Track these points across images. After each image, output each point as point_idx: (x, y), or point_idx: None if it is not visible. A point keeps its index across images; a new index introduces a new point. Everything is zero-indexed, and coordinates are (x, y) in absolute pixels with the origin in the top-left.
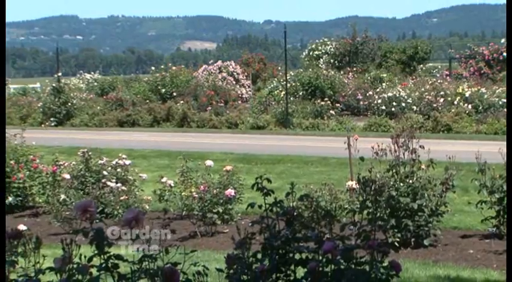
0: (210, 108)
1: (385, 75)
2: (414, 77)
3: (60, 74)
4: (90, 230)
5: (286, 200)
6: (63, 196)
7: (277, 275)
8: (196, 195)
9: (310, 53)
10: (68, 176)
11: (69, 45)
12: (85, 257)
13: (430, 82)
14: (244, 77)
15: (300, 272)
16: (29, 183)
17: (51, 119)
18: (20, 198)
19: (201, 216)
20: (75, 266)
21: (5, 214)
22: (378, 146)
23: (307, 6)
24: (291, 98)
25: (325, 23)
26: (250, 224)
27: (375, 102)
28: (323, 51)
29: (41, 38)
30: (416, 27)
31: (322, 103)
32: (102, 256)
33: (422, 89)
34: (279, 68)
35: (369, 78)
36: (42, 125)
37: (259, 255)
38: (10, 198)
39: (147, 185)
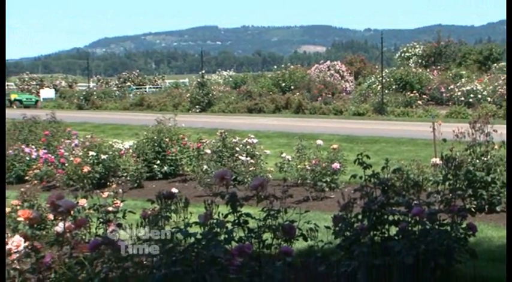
0: (320, 98)
1: (464, 72)
2: (489, 74)
3: (203, 71)
4: (226, 194)
5: (382, 173)
6: (205, 166)
7: (374, 232)
8: (309, 168)
9: (402, 55)
10: (209, 151)
11: (211, 49)
12: (222, 214)
13: (503, 78)
14: (348, 74)
15: (393, 230)
16: (180, 156)
17: (196, 106)
18: (173, 168)
19: (312, 184)
20: (214, 221)
21: (5, 215)
22: (458, 129)
23: (400, 17)
24: (386, 91)
25: (414, 30)
26: (352, 191)
27: (455, 94)
28: (412, 53)
29: (189, 44)
30: (492, 33)
31: (411, 95)
32: (235, 214)
33: (496, 84)
34: (376, 66)
35: (450, 74)
36: (190, 111)
37: (359, 216)
38: (165, 168)
39: (270, 159)
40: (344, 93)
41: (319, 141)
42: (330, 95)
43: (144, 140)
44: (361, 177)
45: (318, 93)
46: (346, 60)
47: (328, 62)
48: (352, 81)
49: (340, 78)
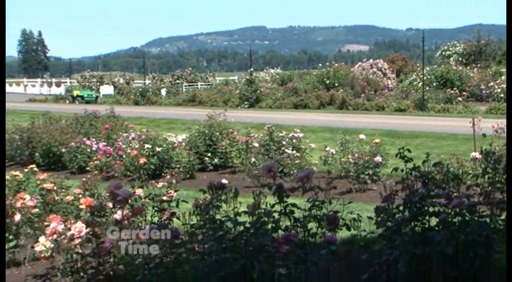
0: (363, 95)
1: (503, 70)
2: None
3: (252, 69)
4: (273, 185)
5: (423, 166)
6: (253, 159)
7: (414, 223)
8: (352, 161)
9: (443, 53)
10: (257, 145)
11: (259, 48)
12: (269, 204)
13: None
14: (390, 72)
15: (433, 221)
16: (229, 149)
17: (245, 102)
18: (222, 160)
19: (355, 177)
20: (262, 210)
21: (5, 216)
22: (497, 125)
23: (440, 17)
24: (426, 88)
25: (455, 29)
26: (394, 183)
27: (495, 91)
28: (453, 51)
29: (239, 43)
30: None
31: (452, 92)
32: (281, 204)
33: None
34: (417, 64)
35: (490, 72)
36: (239, 107)
37: (401, 208)
38: (216, 160)
39: (314, 152)
40: (386, 90)
41: (361, 136)
42: (372, 91)
43: (196, 134)
44: (402, 170)
45: (361, 90)
46: (389, 58)
47: (371, 60)
48: (393, 79)
49: (382, 75)
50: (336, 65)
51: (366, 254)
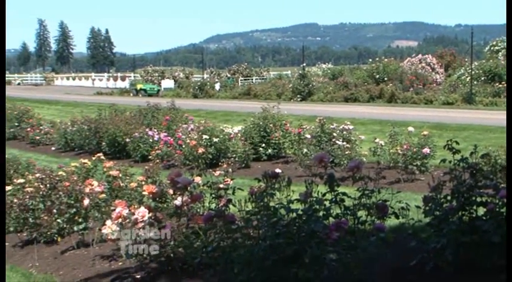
0: (411, 89)
1: None
2: None
3: (304, 64)
4: (325, 174)
5: (470, 158)
6: (305, 150)
7: (462, 212)
8: (401, 152)
9: (491, 48)
10: (308, 136)
11: (311, 44)
12: (321, 193)
13: None
14: (438, 66)
15: (480, 211)
16: (282, 140)
17: (298, 95)
18: (276, 150)
19: (403, 167)
20: (314, 199)
21: (5, 215)
22: None
23: (489, 12)
24: (475, 82)
25: (503, 25)
26: (442, 174)
27: None
28: (502, 46)
29: (292, 39)
30: None
31: (500, 86)
32: (332, 193)
33: None
34: (466, 59)
35: None
36: (291, 100)
37: (448, 197)
38: (269, 150)
39: (364, 143)
40: (434, 84)
41: (410, 128)
42: (421, 85)
43: (251, 126)
44: (450, 162)
45: (410, 84)
46: (437, 53)
47: (420, 56)
48: (442, 73)
49: (430, 70)
50: (386, 60)
51: (413, 241)
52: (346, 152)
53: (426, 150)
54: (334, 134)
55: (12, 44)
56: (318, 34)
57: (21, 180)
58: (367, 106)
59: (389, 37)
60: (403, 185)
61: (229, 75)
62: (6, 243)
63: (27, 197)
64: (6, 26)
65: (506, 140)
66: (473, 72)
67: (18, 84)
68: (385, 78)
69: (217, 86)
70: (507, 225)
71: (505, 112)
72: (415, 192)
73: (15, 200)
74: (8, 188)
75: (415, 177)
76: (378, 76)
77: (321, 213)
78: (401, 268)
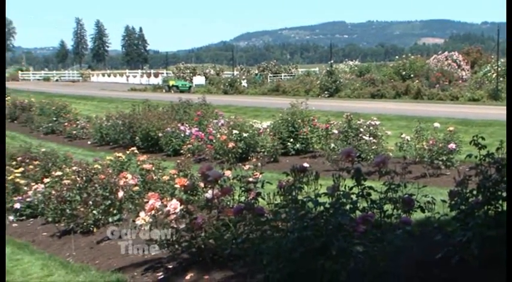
0: (437, 85)
1: None
2: None
3: (332, 61)
4: (351, 169)
5: (496, 153)
6: (332, 145)
7: (488, 207)
8: (427, 147)
9: None
10: (336, 131)
11: (338, 41)
12: (348, 187)
13: None
14: (465, 63)
15: (504, 206)
16: (310, 135)
17: (325, 92)
18: (304, 145)
19: (429, 162)
20: (341, 192)
21: (5, 214)
22: None
23: None
24: (501, 79)
25: None
26: (467, 169)
27: None
28: None
29: (320, 37)
30: None
31: None
32: (359, 187)
33: None
34: (492, 56)
35: None
36: (319, 96)
37: (474, 192)
38: (297, 145)
39: (390, 139)
40: (460, 81)
41: (436, 124)
42: (447, 82)
43: (279, 121)
44: (476, 157)
45: (436, 81)
46: (463, 50)
47: (446, 53)
48: (468, 70)
49: (457, 67)
50: (412, 57)
51: (439, 235)
52: (373, 147)
53: (452, 145)
54: (361, 130)
55: (51, 42)
56: (345, 32)
57: (59, 173)
58: (393, 102)
59: (415, 35)
60: (428, 180)
61: (257, 72)
62: (44, 233)
63: (65, 189)
64: (5, 26)
65: (507, 140)
66: (499, 69)
67: (57, 80)
68: (412, 75)
69: (244, 83)
70: (507, 225)
71: None
72: (441, 187)
73: (53, 192)
74: (46, 180)
75: (441, 172)
76: (404, 73)
77: (347, 207)
78: (427, 261)
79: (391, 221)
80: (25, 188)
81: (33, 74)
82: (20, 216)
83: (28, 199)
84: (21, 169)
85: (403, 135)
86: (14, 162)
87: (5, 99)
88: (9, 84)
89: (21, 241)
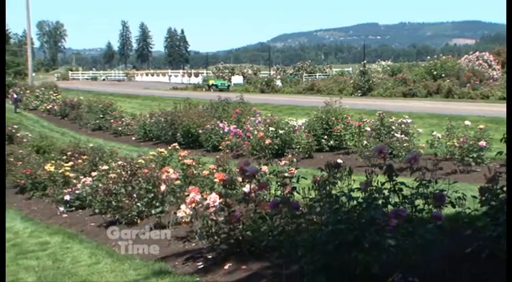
0: (468, 85)
1: None
2: None
3: (365, 61)
4: (384, 165)
5: None
6: (365, 142)
7: None
8: (457, 145)
9: None
10: (368, 129)
11: (372, 42)
12: (380, 182)
13: None
14: (496, 63)
15: None
16: (343, 132)
17: (358, 91)
18: (337, 142)
19: (460, 159)
20: (373, 188)
21: (5, 214)
22: None
23: None
24: None
25: None
26: (498, 166)
27: None
28: None
29: (353, 38)
30: None
31: None
32: (391, 182)
33: None
34: None
35: None
36: (352, 95)
37: (505, 188)
38: (331, 142)
39: (421, 136)
40: (491, 80)
41: (467, 122)
42: (478, 82)
43: (314, 119)
44: (506, 154)
45: (467, 80)
46: (494, 51)
47: (477, 53)
48: (499, 70)
49: (487, 67)
50: (444, 57)
51: (469, 229)
52: (404, 144)
53: (482, 143)
54: (393, 127)
55: (98, 43)
56: (378, 33)
57: (106, 167)
58: (424, 101)
59: (447, 35)
60: (459, 176)
61: (291, 72)
62: (92, 224)
63: (111, 182)
64: (5, 26)
65: (507, 139)
66: None
67: (103, 80)
68: (443, 75)
69: (278, 82)
70: (507, 225)
71: None
72: (471, 183)
73: (100, 185)
74: (93, 173)
75: (471, 169)
76: (435, 73)
77: (380, 202)
78: (458, 255)
79: (422, 216)
80: (74, 181)
81: (82, 73)
82: (69, 207)
83: (77, 191)
84: (70, 163)
85: (434, 133)
86: (64, 157)
87: (5, 100)
88: (59, 83)
89: (71, 231)
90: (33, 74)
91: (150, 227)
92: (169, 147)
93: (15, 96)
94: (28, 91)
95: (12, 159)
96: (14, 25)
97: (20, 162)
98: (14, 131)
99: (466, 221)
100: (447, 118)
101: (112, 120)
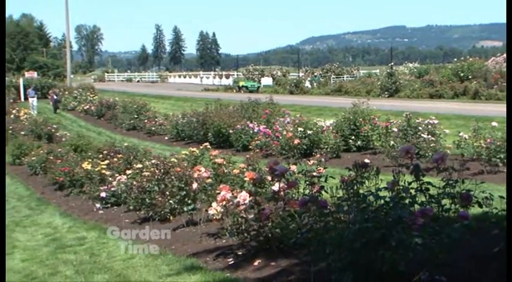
0: (496, 86)
1: None
2: None
3: (392, 63)
4: (410, 165)
5: None
6: (392, 142)
7: None
8: (484, 145)
9: None
10: (395, 129)
11: (399, 45)
12: (407, 182)
13: None
14: None
15: None
16: (371, 133)
17: (385, 92)
18: (365, 142)
19: (487, 160)
20: (400, 187)
21: (5, 213)
22: None
23: None
24: None
25: None
26: None
27: None
28: None
29: (381, 41)
30: None
31: None
32: (418, 182)
33: None
34: None
35: None
36: (379, 97)
37: None
38: (359, 142)
39: (448, 137)
40: None
41: (494, 123)
42: (505, 83)
43: (341, 120)
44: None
45: (494, 82)
46: None
47: (504, 55)
48: None
49: None
50: (471, 59)
51: (496, 229)
52: (431, 145)
53: None
54: (420, 128)
55: (133, 46)
56: (405, 36)
57: (140, 166)
58: (451, 102)
59: (474, 38)
60: (486, 177)
61: (316, 74)
62: (126, 220)
63: (145, 180)
64: (5, 27)
65: (507, 139)
66: None
67: (138, 81)
68: (470, 77)
69: (307, 84)
70: (507, 226)
71: None
72: (498, 184)
73: (135, 183)
74: (128, 171)
75: (498, 170)
76: (462, 74)
77: (407, 201)
78: (485, 255)
79: (449, 215)
80: (110, 178)
81: (117, 75)
82: (105, 204)
83: (112, 189)
84: (106, 161)
85: (460, 134)
86: (100, 155)
87: (5, 100)
88: (96, 85)
89: (106, 226)
90: (72, 76)
91: (183, 223)
92: (201, 147)
93: (55, 97)
94: (67, 92)
95: (51, 158)
96: (54, 29)
97: (59, 161)
98: (53, 130)
99: (493, 221)
100: (474, 119)
101: (146, 121)
